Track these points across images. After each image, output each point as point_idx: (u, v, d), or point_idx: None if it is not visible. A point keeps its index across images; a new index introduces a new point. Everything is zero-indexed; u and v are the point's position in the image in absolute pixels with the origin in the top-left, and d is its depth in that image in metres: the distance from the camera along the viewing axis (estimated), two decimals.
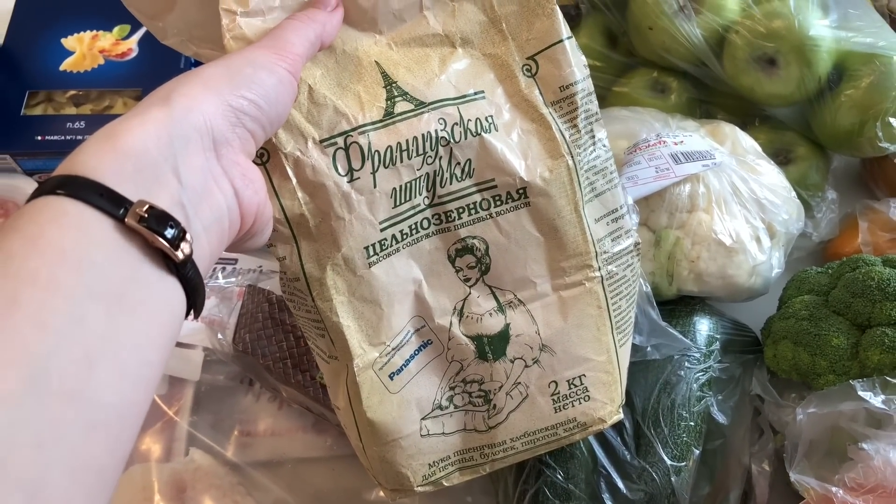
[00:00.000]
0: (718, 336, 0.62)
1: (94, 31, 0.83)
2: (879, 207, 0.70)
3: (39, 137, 0.76)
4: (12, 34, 0.83)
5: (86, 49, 0.82)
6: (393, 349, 0.47)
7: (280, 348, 0.64)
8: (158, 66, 0.80)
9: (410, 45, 0.46)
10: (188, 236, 0.33)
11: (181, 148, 0.34)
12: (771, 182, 0.64)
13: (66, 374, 0.28)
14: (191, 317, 0.35)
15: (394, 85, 0.45)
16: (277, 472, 0.66)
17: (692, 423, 0.58)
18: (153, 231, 0.31)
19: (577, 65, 0.48)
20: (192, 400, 0.68)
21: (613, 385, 0.52)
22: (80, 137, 0.76)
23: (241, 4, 0.41)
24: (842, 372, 0.57)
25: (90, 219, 0.30)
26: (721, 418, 0.59)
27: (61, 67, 0.81)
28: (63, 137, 0.76)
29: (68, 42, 0.83)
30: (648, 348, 0.58)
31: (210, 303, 0.67)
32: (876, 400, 0.53)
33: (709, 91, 0.75)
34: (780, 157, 0.73)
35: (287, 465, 0.66)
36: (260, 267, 0.73)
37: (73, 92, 0.79)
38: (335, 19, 0.44)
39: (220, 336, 0.66)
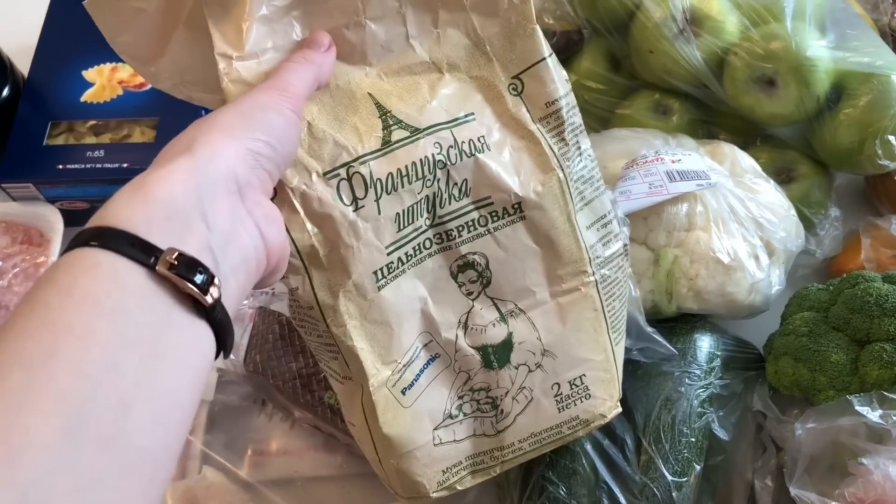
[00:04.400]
0: (719, 353, 0.63)
1: (114, 64, 0.86)
2: (882, 224, 0.71)
3: (61, 166, 0.79)
4: (36, 67, 0.86)
5: (105, 80, 0.85)
6: (404, 366, 0.49)
7: (290, 369, 0.65)
8: (174, 97, 0.83)
9: (400, 74, 0.48)
10: (217, 280, 0.34)
11: (208, 194, 0.35)
12: (769, 201, 0.65)
13: (101, 420, 0.29)
14: (220, 357, 0.36)
15: (388, 114, 0.47)
16: (289, 490, 0.67)
17: (693, 439, 0.58)
18: (183, 278, 0.32)
19: (559, 80, 0.50)
20: (206, 419, 0.69)
21: (612, 382, 0.54)
22: (99, 166, 0.79)
23: (236, 49, 0.43)
24: (842, 387, 0.58)
25: (122, 268, 0.32)
26: (722, 434, 0.60)
27: (82, 98, 0.84)
28: (83, 166, 0.79)
29: (89, 74, 0.85)
30: (634, 352, 0.59)
31: None
32: (873, 415, 0.53)
33: (710, 112, 0.76)
34: (783, 176, 0.74)
35: (298, 483, 0.67)
36: (272, 289, 0.75)
37: (93, 122, 0.82)
38: (329, 59, 0.45)
39: (232, 357, 0.68)
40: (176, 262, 0.32)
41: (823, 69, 0.68)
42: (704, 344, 0.63)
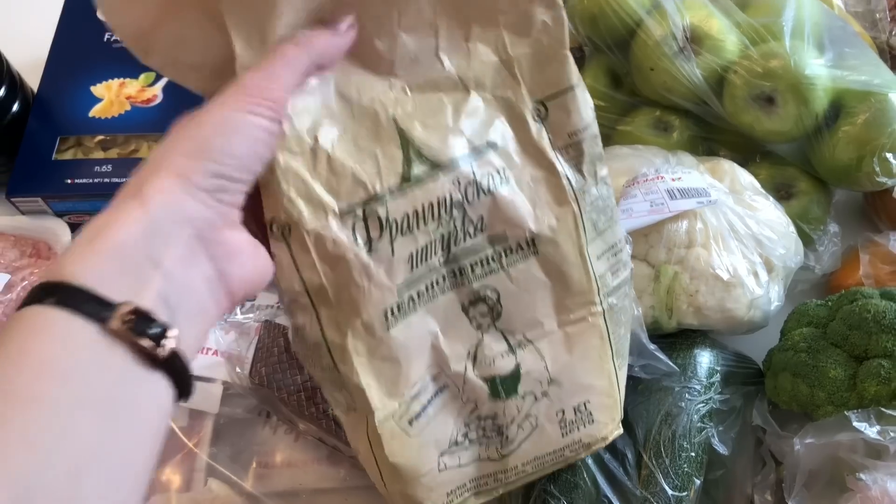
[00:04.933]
0: (719, 368, 0.63)
1: (122, 79, 0.87)
2: (880, 240, 0.71)
3: (69, 181, 0.80)
4: (45, 83, 0.87)
5: (113, 96, 0.86)
6: (411, 398, 0.48)
7: (294, 381, 0.66)
8: (182, 111, 0.83)
9: (425, 90, 0.47)
10: (172, 332, 0.33)
11: (162, 243, 0.34)
12: (768, 218, 0.66)
13: (53, 490, 0.28)
14: (179, 403, 0.35)
15: (410, 145, 0.45)
16: (293, 502, 0.67)
17: (693, 454, 0.59)
18: (138, 332, 0.32)
19: (585, 110, 0.49)
20: (212, 432, 0.70)
21: (614, 406, 0.54)
22: (107, 181, 0.80)
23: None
24: (840, 403, 0.58)
25: (76, 326, 0.31)
26: (722, 449, 0.60)
27: (90, 114, 0.85)
28: (91, 181, 0.80)
29: (97, 89, 0.87)
30: (636, 368, 0.60)
31: (229, 337, 0.70)
32: (871, 431, 0.54)
33: (710, 128, 0.77)
34: (782, 192, 0.74)
35: (302, 496, 0.68)
36: (277, 304, 0.76)
37: (101, 137, 0.83)
38: (340, 42, 0.42)
39: (238, 370, 0.68)
40: (130, 317, 0.32)
41: (822, 87, 0.69)
42: (704, 359, 0.63)
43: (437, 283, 0.48)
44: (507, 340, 0.50)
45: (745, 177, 0.69)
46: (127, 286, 0.33)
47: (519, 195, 0.48)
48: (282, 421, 0.71)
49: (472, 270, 0.48)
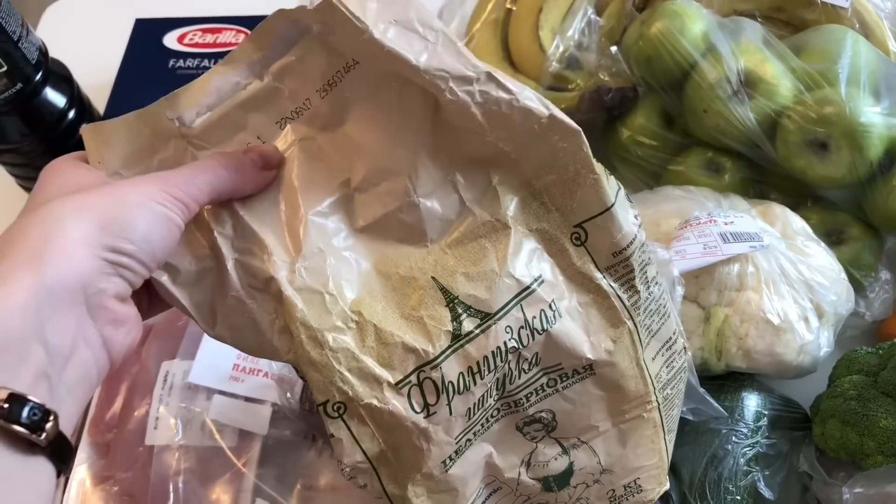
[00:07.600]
0: (766, 412, 0.63)
1: None
2: None
3: None
4: (111, 106, 0.91)
5: None
6: None
7: None
8: None
9: (464, 243, 0.46)
10: (52, 413, 0.32)
11: (50, 313, 0.32)
12: (820, 264, 0.66)
13: None
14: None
15: (456, 301, 0.44)
16: None
17: (738, 498, 0.59)
18: (13, 422, 0.30)
19: (627, 226, 0.47)
20: (260, 453, 0.71)
21: (662, 473, 0.53)
22: None
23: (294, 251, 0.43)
24: (890, 453, 0.58)
25: None
26: (768, 494, 0.60)
27: None
28: None
29: None
30: (685, 410, 0.60)
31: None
32: None
33: (762, 172, 0.77)
34: (833, 238, 0.74)
35: None
36: None
37: None
38: (264, 178, 0.43)
39: (288, 394, 0.70)
40: (5, 405, 0.30)
41: (877, 135, 0.69)
42: (752, 402, 0.63)
43: (492, 415, 0.48)
44: (560, 445, 0.50)
45: (796, 222, 0.69)
46: (5, 367, 0.31)
47: (572, 326, 0.47)
48: (327, 445, 0.72)
49: (527, 399, 0.48)
